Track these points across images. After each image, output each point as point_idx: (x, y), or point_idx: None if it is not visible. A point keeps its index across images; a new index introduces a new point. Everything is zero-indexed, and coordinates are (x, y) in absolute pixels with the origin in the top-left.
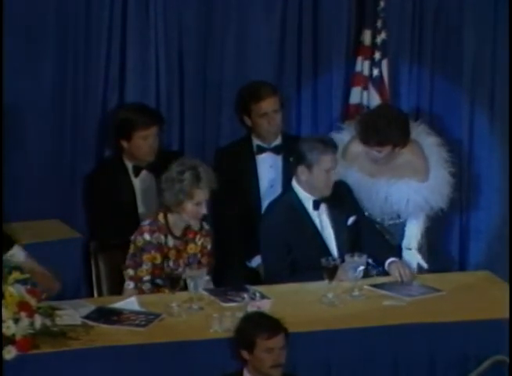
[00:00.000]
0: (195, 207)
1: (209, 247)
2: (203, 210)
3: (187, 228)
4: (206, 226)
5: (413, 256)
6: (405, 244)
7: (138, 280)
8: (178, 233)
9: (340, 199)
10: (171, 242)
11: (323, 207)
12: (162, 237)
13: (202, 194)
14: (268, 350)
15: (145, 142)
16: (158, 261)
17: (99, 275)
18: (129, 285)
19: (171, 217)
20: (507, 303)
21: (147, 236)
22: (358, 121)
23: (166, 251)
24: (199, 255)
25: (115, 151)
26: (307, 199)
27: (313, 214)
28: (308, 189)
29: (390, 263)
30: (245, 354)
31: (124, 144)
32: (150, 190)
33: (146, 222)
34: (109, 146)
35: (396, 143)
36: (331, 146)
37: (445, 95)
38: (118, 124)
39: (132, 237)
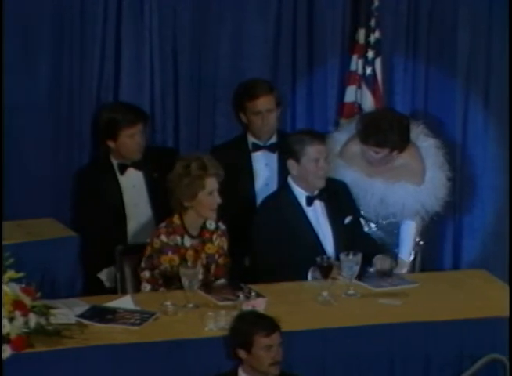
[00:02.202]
0: (209, 197)
1: (225, 247)
2: (218, 199)
3: (203, 227)
4: (222, 226)
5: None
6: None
7: (155, 282)
8: (194, 232)
9: (338, 198)
10: (187, 242)
11: (318, 204)
12: (178, 238)
13: (212, 182)
14: (267, 347)
15: (132, 140)
16: (176, 263)
17: (124, 277)
18: (146, 287)
19: (186, 217)
20: (504, 302)
21: (164, 238)
22: (359, 119)
23: (183, 252)
24: (216, 256)
25: (101, 150)
26: (301, 195)
27: (307, 210)
28: (301, 183)
29: (376, 258)
30: (242, 353)
31: (111, 144)
32: (138, 188)
33: (162, 225)
34: (95, 145)
35: (394, 147)
36: (318, 136)
37: (439, 94)
38: (103, 125)
39: (148, 240)
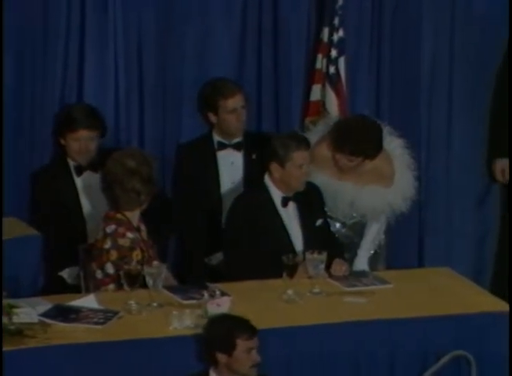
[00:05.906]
0: None
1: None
2: None
3: None
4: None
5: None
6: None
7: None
8: (135, 224)
9: (310, 200)
10: (137, 235)
11: (292, 205)
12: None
13: None
14: (248, 350)
15: (75, 143)
16: (140, 257)
17: (87, 276)
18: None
19: (128, 213)
20: (467, 299)
21: (130, 234)
22: (334, 126)
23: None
24: (148, 240)
25: (59, 149)
26: (277, 196)
27: (281, 211)
28: (280, 185)
29: (334, 262)
30: (222, 357)
31: (63, 141)
32: (95, 189)
33: (112, 227)
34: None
35: (368, 156)
36: (304, 142)
37: (404, 93)
38: (57, 120)
39: (108, 246)
